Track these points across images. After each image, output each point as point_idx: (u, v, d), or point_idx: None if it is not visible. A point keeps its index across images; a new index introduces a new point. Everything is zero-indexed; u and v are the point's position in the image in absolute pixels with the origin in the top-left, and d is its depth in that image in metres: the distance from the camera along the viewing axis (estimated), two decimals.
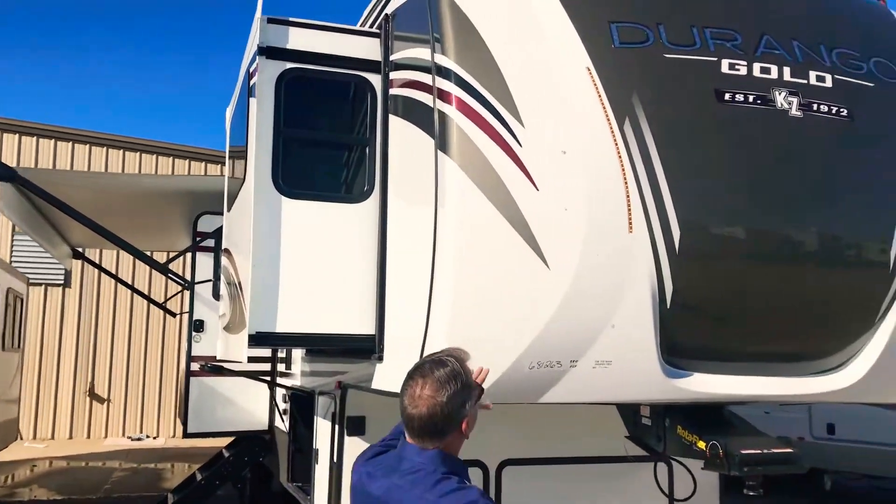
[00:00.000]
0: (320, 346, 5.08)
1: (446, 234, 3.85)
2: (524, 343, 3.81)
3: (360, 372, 5.18)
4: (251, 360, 8.09)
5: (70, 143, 17.85)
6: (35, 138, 17.58)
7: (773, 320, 4.20)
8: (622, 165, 3.85)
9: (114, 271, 15.28)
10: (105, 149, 17.97)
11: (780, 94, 4.12)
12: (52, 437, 17.28)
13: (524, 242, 3.78)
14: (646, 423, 4.73)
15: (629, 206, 3.84)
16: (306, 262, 4.72)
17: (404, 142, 4.56)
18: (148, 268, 17.54)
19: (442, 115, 3.96)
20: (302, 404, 7.07)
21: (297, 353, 7.66)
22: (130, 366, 17.94)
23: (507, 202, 3.79)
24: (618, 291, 3.83)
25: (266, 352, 8.33)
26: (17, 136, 17.43)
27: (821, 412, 10.96)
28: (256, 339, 4.59)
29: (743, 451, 4.02)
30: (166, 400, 17.83)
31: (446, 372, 2.44)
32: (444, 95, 3.97)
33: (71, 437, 17.46)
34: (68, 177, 11.29)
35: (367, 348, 4.73)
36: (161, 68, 40.50)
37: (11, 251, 17.03)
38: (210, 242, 8.35)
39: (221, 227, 7.48)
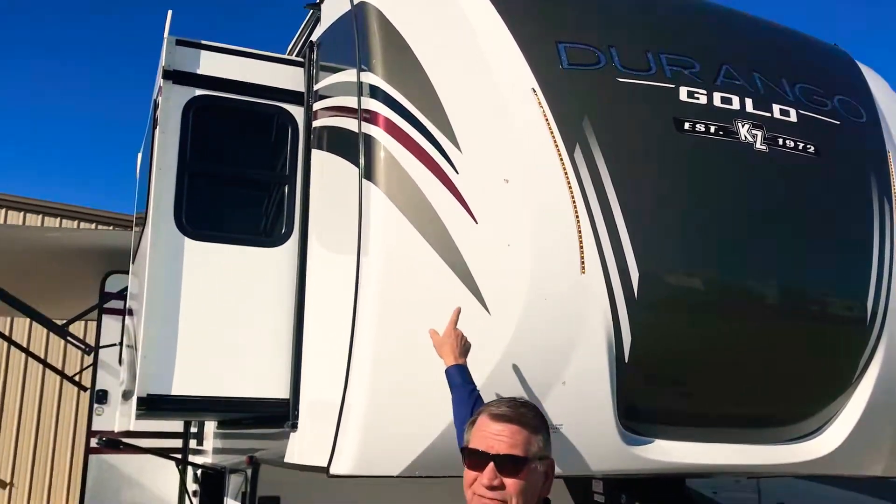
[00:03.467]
0: (224, 413, 4.40)
1: (370, 271, 3.29)
2: None
3: (273, 444, 4.51)
4: (162, 435, 7.32)
5: None
6: None
7: (744, 379, 3.72)
8: (573, 197, 3.37)
9: (24, 343, 14.16)
10: (3, 210, 16.92)
11: (743, 125, 3.74)
12: None
13: (461, 283, 3.24)
14: (599, 500, 4.15)
15: (581, 242, 3.34)
16: (211, 314, 4.09)
17: (327, 177, 4.03)
18: (62, 341, 16.53)
19: (368, 138, 3.45)
20: (213, 484, 6.28)
21: (210, 427, 6.90)
22: (38, 446, 16.52)
23: (441, 236, 3.26)
24: (569, 342, 3.30)
25: (178, 425, 7.53)
26: None
27: (771, 490, 10.49)
28: (147, 403, 3.90)
29: None
30: (76, 485, 16.40)
31: None
32: (370, 117, 3.47)
33: None
34: None
35: (281, 415, 4.07)
36: (66, 122, 38.38)
37: None
38: (120, 304, 7.59)
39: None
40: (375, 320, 3.29)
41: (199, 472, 6.82)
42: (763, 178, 3.78)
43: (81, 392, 13.67)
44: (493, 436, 2.01)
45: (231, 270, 4.18)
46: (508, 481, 1.97)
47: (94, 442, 7.33)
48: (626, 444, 3.44)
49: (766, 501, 10.72)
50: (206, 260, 4.13)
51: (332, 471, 3.45)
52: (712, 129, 3.68)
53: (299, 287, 4.14)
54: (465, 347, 3.11)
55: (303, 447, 3.94)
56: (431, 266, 3.25)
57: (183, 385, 3.96)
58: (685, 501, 3.94)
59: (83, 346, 7.05)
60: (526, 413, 2.10)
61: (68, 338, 6.78)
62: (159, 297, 3.97)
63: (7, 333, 12.87)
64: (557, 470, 3.51)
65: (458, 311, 3.14)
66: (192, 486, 7.18)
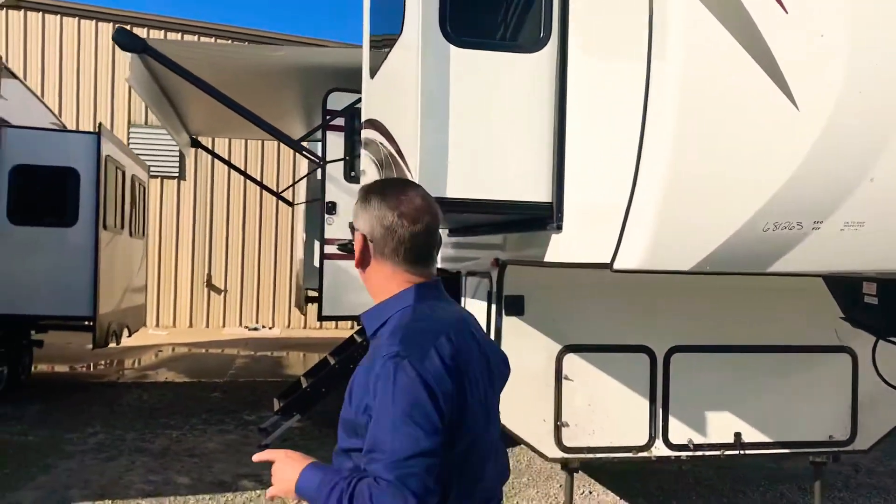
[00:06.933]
0: (492, 214, 4.61)
1: (668, 72, 3.22)
2: (762, 199, 3.21)
3: (527, 245, 4.73)
4: None
5: (179, 35, 17.71)
6: (146, 29, 17.45)
7: None
8: None
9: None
10: (213, 38, 17.73)
11: None
12: (174, 326, 17.84)
13: (767, 77, 3.12)
14: (870, 301, 4.12)
15: None
16: (476, 120, 4.20)
17: None
18: (260, 159, 17.67)
19: None
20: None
21: None
22: (245, 257, 18.20)
23: (747, 28, 3.11)
24: (882, 136, 3.16)
25: None
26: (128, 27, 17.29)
27: None
28: None
29: None
30: (281, 291, 18.07)
31: None
32: None
33: (191, 326, 17.99)
34: (196, 49, 10.95)
35: (542, 217, 4.23)
36: None
37: (128, 145, 17.21)
38: (341, 122, 7.90)
39: (353, 103, 7.04)
40: (674, 121, 3.25)
41: None
42: None
43: (284, 207, 14.76)
44: None
45: (492, 77, 4.22)
46: None
47: (327, 249, 7.95)
48: None
49: None
50: (470, 67, 4.18)
51: (617, 266, 3.58)
52: None
53: (560, 93, 4.15)
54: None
55: (570, 246, 4.11)
56: (736, 58, 3.13)
57: (456, 188, 4.16)
58: None
59: (316, 159, 7.46)
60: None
61: (303, 152, 7.19)
62: (433, 106, 4.10)
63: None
64: (848, 266, 3.50)
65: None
66: None
